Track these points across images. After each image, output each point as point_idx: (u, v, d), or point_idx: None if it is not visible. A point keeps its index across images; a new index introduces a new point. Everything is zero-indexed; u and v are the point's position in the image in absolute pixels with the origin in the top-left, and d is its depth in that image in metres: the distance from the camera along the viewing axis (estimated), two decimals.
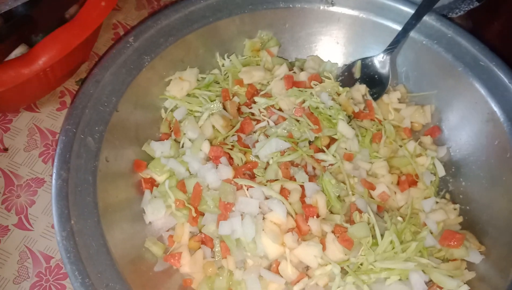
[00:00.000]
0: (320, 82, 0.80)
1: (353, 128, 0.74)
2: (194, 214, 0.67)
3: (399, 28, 0.80)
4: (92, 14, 0.68)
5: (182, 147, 0.74)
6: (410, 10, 0.80)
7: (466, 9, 0.91)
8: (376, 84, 0.82)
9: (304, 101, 0.76)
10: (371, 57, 0.82)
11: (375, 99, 0.81)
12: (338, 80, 0.83)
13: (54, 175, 0.62)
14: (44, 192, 0.77)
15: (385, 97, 0.81)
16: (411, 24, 0.79)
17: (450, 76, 0.78)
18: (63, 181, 0.62)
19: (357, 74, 0.83)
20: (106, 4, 0.69)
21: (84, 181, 0.63)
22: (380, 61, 0.81)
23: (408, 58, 0.82)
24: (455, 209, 0.72)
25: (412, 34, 0.80)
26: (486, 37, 0.88)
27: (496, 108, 0.72)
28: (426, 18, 0.80)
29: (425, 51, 0.80)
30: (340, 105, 0.77)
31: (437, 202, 0.73)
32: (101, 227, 0.61)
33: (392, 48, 0.80)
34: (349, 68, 0.84)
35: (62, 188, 0.61)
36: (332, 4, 0.83)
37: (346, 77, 0.83)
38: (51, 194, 0.61)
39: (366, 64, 0.82)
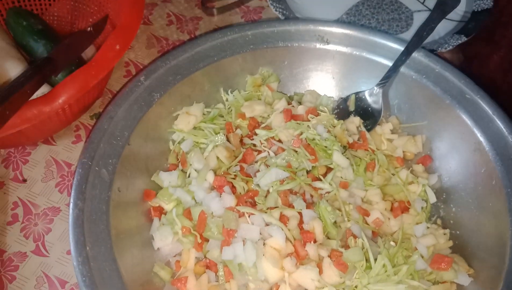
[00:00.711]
0: (317, 115, 0.85)
1: (347, 158, 0.79)
2: (200, 241, 0.72)
3: (390, 64, 0.86)
4: (107, 56, 0.75)
5: (189, 177, 0.79)
6: (400, 47, 0.86)
7: (455, 44, 0.97)
8: (370, 116, 0.87)
9: (301, 133, 0.82)
10: (364, 91, 0.88)
11: (368, 130, 0.86)
12: (334, 112, 0.89)
13: (71, 205, 0.68)
14: (59, 220, 0.82)
15: (378, 128, 0.87)
16: (401, 60, 0.85)
17: (439, 108, 0.83)
18: (79, 211, 0.67)
19: (351, 107, 0.88)
20: (120, 47, 0.76)
21: (98, 210, 0.68)
22: (373, 95, 0.87)
23: (400, 91, 0.88)
24: (445, 234, 0.76)
25: (403, 69, 0.86)
26: (485, 70, 0.93)
27: (482, 138, 0.77)
28: (415, 54, 0.86)
29: (415, 85, 0.85)
30: (335, 136, 0.82)
31: (428, 227, 0.77)
32: (113, 253, 0.66)
33: (384, 82, 0.86)
34: (344, 101, 0.90)
35: (79, 216, 0.67)
36: (327, 43, 0.89)
37: (341, 110, 0.89)
38: (69, 222, 0.66)
39: (359, 98, 0.88)
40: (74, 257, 0.63)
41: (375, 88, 0.87)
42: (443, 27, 1.03)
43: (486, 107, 0.79)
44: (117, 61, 0.77)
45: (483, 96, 0.80)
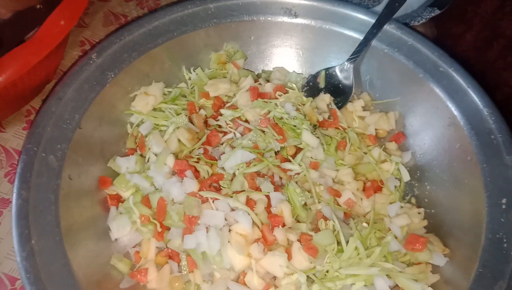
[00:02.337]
0: (285, 93, 0.80)
1: (317, 137, 0.75)
2: (160, 229, 0.67)
3: (361, 37, 0.82)
4: (51, 33, 0.68)
5: (148, 162, 0.73)
6: (371, 20, 0.82)
7: (428, 16, 0.93)
8: (340, 93, 0.83)
9: (269, 112, 0.77)
10: (334, 66, 0.84)
11: (339, 107, 0.82)
12: (304, 90, 0.84)
13: (14, 194, 0.61)
14: (9, 213, 0.75)
15: (349, 106, 0.83)
16: (372, 33, 0.81)
17: (412, 83, 0.79)
18: (23, 201, 0.61)
19: (321, 84, 0.84)
20: (65, 23, 0.69)
21: (45, 199, 0.62)
22: (343, 70, 0.83)
23: (372, 66, 0.84)
24: (419, 213, 0.73)
25: (374, 43, 0.81)
26: (459, 49, 0.90)
27: (456, 112, 0.74)
28: (387, 27, 0.81)
29: (387, 59, 0.81)
30: (304, 115, 0.78)
31: (402, 207, 0.73)
32: (63, 247, 0.60)
33: (355, 57, 0.82)
34: (313, 78, 0.85)
35: (23, 207, 0.61)
36: (295, 16, 0.84)
37: (311, 87, 0.84)
38: (12, 213, 0.60)
39: (330, 74, 0.84)
40: (17, 252, 0.57)
41: (346, 63, 0.83)
42: (416, 0, 0.99)
43: (461, 79, 0.76)
44: (62, 38, 0.70)
45: (457, 68, 0.77)
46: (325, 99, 0.82)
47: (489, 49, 0.84)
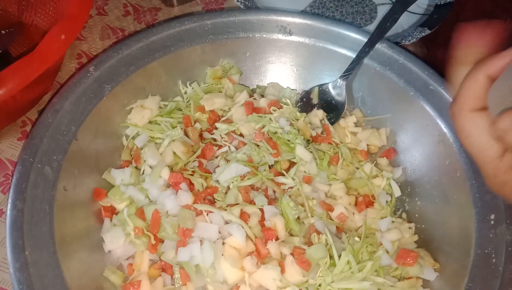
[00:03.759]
0: (280, 108, 0.82)
1: (310, 151, 0.76)
2: (154, 242, 0.67)
3: (353, 55, 0.84)
4: (51, 47, 0.69)
5: (143, 174, 0.74)
6: (363, 39, 0.84)
7: (419, 36, 0.96)
8: (333, 109, 0.85)
9: (263, 127, 0.78)
10: (327, 83, 0.86)
11: (332, 123, 0.84)
12: (297, 105, 0.86)
13: (9, 205, 0.61)
14: (2, 223, 0.75)
15: (341, 121, 0.84)
16: (364, 51, 0.83)
17: (403, 100, 0.81)
18: (18, 212, 0.61)
19: (314, 100, 0.86)
20: (66, 37, 0.70)
21: (40, 211, 0.63)
22: (336, 87, 0.85)
23: (363, 83, 0.86)
24: (410, 228, 0.74)
25: (366, 61, 0.83)
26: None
27: (446, 130, 0.76)
28: (378, 46, 0.83)
29: (379, 77, 0.83)
30: (298, 130, 0.79)
31: (393, 222, 0.75)
32: (57, 258, 0.60)
33: (347, 74, 0.84)
34: (307, 94, 0.87)
35: (17, 218, 0.61)
36: (290, 34, 0.86)
37: (305, 103, 0.86)
38: (6, 224, 0.60)
39: (323, 90, 0.86)
40: (10, 263, 0.57)
41: (339, 80, 0.85)
42: (407, 20, 1.02)
43: (450, 98, 0.77)
44: (62, 52, 0.71)
45: (447, 87, 0.79)
46: (318, 114, 0.83)
47: None
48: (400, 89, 0.81)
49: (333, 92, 0.85)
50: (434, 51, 1.00)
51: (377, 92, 0.85)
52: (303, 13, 1.01)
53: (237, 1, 0.98)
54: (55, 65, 0.75)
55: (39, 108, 0.88)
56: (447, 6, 1.01)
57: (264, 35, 0.87)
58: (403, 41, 0.95)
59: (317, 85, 0.86)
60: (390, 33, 0.86)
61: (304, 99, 0.87)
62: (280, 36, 0.87)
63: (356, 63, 0.83)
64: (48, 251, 0.60)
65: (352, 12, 1.05)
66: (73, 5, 0.77)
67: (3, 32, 0.80)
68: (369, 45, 0.83)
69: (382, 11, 1.06)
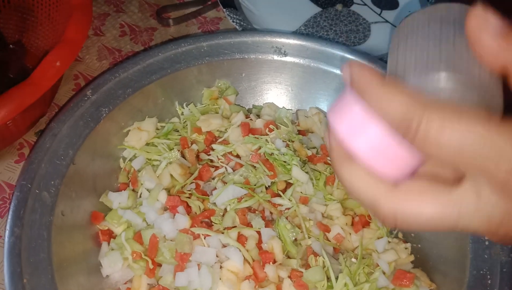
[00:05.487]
0: (277, 128, 0.83)
1: (306, 172, 0.77)
2: (151, 266, 0.67)
3: None
4: (46, 74, 0.69)
5: (140, 197, 0.74)
6: (356, 58, 0.85)
7: None
8: None
9: (260, 148, 0.79)
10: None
11: None
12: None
13: (7, 232, 0.62)
14: (0, 248, 0.75)
15: None
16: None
17: None
18: (16, 238, 0.61)
19: None
20: (61, 64, 0.70)
21: (38, 237, 0.63)
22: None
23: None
24: (406, 248, 0.75)
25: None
26: None
27: None
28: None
29: None
30: (294, 150, 0.80)
31: (389, 242, 0.75)
32: (55, 284, 0.60)
33: None
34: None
35: (15, 245, 0.61)
36: (285, 55, 0.88)
37: None
38: (4, 252, 0.60)
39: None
40: None
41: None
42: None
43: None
44: (57, 79, 0.71)
45: None
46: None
47: None
48: None
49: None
50: None
51: None
52: (297, 33, 1.03)
53: (233, 22, 1.00)
54: (51, 89, 0.75)
55: (36, 130, 0.89)
56: None
57: (260, 56, 0.88)
58: None
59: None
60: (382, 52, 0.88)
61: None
62: (275, 57, 0.88)
63: None
64: (46, 277, 0.60)
65: (346, 31, 1.07)
66: (70, 29, 0.77)
67: (11, 46, 0.80)
68: None
69: (375, 29, 1.07)
